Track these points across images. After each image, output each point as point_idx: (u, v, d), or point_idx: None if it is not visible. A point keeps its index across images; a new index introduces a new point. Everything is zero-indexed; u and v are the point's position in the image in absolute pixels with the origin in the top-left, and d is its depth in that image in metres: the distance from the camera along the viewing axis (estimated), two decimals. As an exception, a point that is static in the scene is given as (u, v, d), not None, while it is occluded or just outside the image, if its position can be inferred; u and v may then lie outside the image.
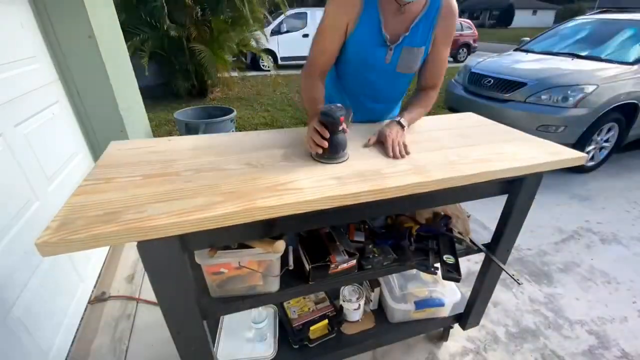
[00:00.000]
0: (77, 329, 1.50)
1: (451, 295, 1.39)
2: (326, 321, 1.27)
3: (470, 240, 1.16)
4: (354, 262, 1.00)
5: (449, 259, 1.04)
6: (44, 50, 1.63)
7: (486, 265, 1.23)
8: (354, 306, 1.29)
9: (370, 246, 1.04)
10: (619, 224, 2.41)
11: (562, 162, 0.95)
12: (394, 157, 0.90)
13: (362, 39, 1.02)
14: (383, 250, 1.06)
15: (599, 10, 4.09)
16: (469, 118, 1.32)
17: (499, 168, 0.87)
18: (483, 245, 1.17)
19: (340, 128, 0.86)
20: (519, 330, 1.59)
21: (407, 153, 0.92)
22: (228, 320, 1.33)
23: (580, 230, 2.35)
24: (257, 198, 0.70)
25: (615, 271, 1.96)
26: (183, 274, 0.74)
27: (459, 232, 1.16)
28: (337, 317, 1.29)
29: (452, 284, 1.42)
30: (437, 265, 1.05)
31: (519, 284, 1.04)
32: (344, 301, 1.30)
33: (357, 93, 1.19)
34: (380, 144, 0.98)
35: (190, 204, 0.67)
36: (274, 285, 0.95)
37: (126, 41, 4.63)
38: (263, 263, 0.90)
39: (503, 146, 1.02)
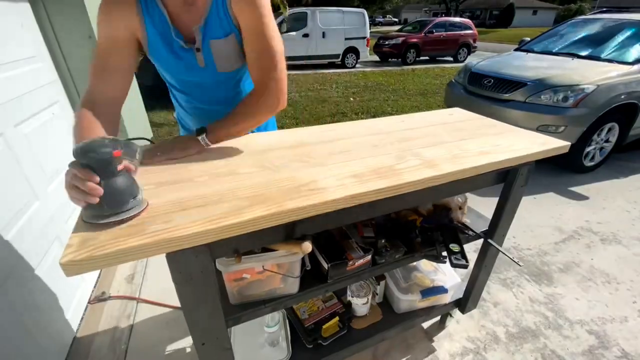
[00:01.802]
0: (77, 329, 1.50)
1: (451, 281, 1.45)
2: (337, 318, 1.28)
3: (469, 228, 1.21)
4: (369, 257, 1.02)
5: (454, 247, 1.08)
6: (44, 50, 1.64)
7: (484, 250, 1.30)
8: (363, 301, 1.31)
9: (383, 241, 1.06)
10: (619, 224, 2.41)
11: (551, 151, 1.02)
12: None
13: (158, 49, 0.86)
14: (393, 244, 1.08)
15: (599, 10, 4.09)
16: (458, 113, 1.37)
17: (500, 159, 0.92)
18: (482, 232, 1.23)
19: (121, 167, 0.61)
20: (519, 330, 1.59)
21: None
22: (238, 327, 1.32)
23: (580, 230, 2.35)
24: (284, 200, 0.69)
25: (615, 271, 1.96)
26: (212, 283, 0.73)
27: (459, 222, 1.21)
28: (346, 313, 1.32)
29: (450, 271, 1.49)
30: (444, 254, 1.09)
31: (519, 265, 1.08)
32: (352, 297, 1.32)
33: (197, 110, 1.05)
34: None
35: (217, 210, 0.65)
36: (294, 287, 0.95)
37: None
38: (283, 265, 0.89)
39: (496, 138, 1.07)
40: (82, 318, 1.56)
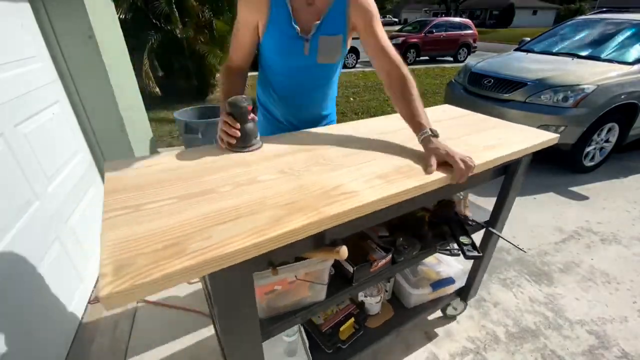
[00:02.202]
0: (77, 329, 1.50)
1: (454, 271, 1.51)
2: (352, 319, 1.28)
3: (473, 220, 1.25)
4: (390, 257, 1.02)
5: (464, 239, 1.11)
6: (44, 50, 1.63)
7: (485, 240, 1.37)
8: (376, 300, 1.32)
9: (401, 239, 1.08)
10: (619, 224, 2.41)
11: (544, 143, 1.08)
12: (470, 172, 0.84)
13: (276, 34, 1.03)
14: (410, 242, 1.09)
15: (599, 10, 4.09)
16: (449, 110, 1.41)
17: (507, 152, 0.95)
18: (484, 222, 1.29)
19: (250, 117, 0.92)
20: (519, 330, 1.59)
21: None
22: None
23: (580, 230, 2.35)
24: (321, 207, 0.67)
25: (615, 271, 1.96)
26: (252, 299, 0.69)
27: (462, 214, 1.25)
28: (360, 313, 1.32)
29: (451, 261, 1.59)
30: (456, 246, 1.12)
31: (524, 252, 1.13)
32: (366, 296, 1.33)
33: (286, 93, 1.18)
34: (445, 165, 0.86)
35: (257, 221, 0.62)
36: (321, 294, 0.93)
37: (139, 42, 4.62)
38: (311, 274, 0.87)
39: (493, 133, 1.11)
40: (82, 318, 1.56)
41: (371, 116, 4.94)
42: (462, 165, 0.82)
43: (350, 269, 0.95)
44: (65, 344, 1.41)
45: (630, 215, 2.52)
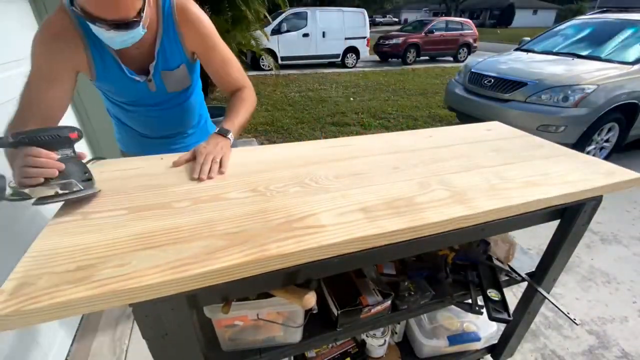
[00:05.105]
0: (77, 329, 1.50)
1: (486, 326, 1.24)
2: (348, 359, 1.15)
3: (512, 269, 1.02)
4: (388, 303, 0.86)
5: (493, 294, 0.90)
6: (44, 50, 1.63)
7: (529, 295, 1.09)
8: (379, 342, 1.13)
9: (406, 283, 0.90)
10: (619, 224, 2.41)
11: (617, 185, 0.82)
12: (199, 178, 0.75)
13: (112, 80, 0.90)
14: (419, 286, 0.92)
15: (599, 10, 4.09)
16: (498, 128, 1.18)
17: (552, 194, 0.74)
18: (527, 274, 1.05)
19: (66, 153, 0.66)
20: (519, 330, 1.59)
21: (222, 173, 0.79)
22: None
23: (580, 230, 2.35)
24: (269, 242, 0.56)
25: (615, 271, 1.96)
26: (194, 340, 0.61)
27: (498, 259, 1.02)
28: (359, 354, 1.15)
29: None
30: (480, 301, 0.92)
31: (576, 324, 0.93)
32: (367, 336, 1.15)
33: (140, 124, 1.09)
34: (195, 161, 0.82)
35: (186, 251, 0.54)
36: (296, 336, 0.82)
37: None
38: (282, 313, 0.79)
39: (546, 165, 0.89)
40: (82, 318, 1.56)
41: (371, 116, 4.97)
42: (201, 160, 0.78)
43: (335, 312, 0.81)
44: (66, 343, 1.41)
45: (630, 215, 2.52)
